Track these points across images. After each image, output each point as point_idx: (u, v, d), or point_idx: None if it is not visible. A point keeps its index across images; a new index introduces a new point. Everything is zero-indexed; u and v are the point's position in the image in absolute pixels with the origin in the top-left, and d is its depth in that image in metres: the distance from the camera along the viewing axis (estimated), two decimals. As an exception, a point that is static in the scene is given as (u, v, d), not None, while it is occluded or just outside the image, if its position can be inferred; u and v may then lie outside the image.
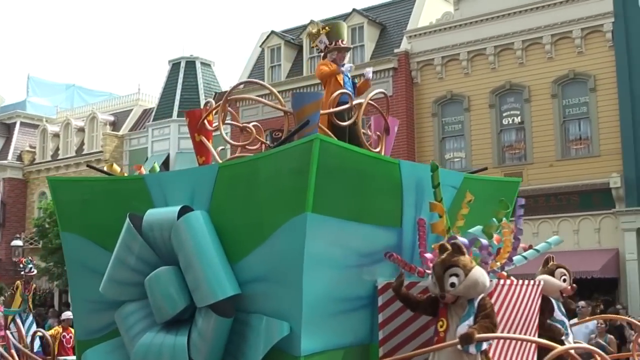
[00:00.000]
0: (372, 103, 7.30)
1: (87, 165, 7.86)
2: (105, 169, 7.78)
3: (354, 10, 30.31)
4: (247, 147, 7.83)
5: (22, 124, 39.96)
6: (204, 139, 7.44)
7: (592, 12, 25.28)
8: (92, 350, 6.91)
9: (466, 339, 5.38)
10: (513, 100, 27.25)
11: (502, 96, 27.40)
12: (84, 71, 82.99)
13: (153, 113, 34.67)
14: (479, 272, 5.73)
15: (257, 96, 9.17)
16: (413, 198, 6.59)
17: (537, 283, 6.91)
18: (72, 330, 18.10)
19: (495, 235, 6.47)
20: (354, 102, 7.16)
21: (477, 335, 5.38)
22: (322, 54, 7.75)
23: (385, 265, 6.43)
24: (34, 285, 21.33)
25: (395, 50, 28.96)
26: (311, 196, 5.70)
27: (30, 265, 21.50)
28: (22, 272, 21.57)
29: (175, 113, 33.38)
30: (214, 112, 7.47)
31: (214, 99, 33.74)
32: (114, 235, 6.83)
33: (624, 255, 23.95)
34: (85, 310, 7.20)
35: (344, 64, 7.58)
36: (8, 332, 21.59)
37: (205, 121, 7.46)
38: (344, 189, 6.02)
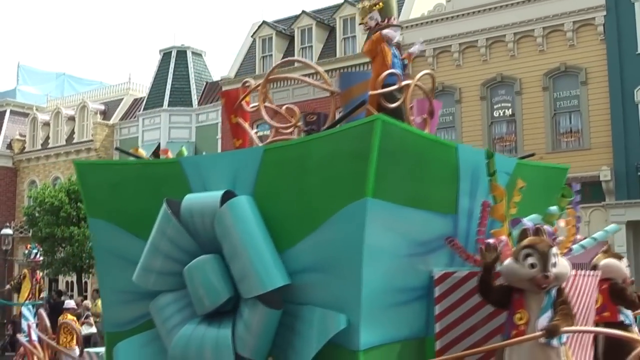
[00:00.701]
0: (419, 85, 6.81)
1: (116, 149, 7.29)
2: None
3: (345, 1, 29.80)
4: (280, 130, 7.30)
5: (12, 112, 39.00)
6: (241, 120, 6.90)
7: (584, 5, 24.95)
8: (124, 343, 6.36)
9: (552, 332, 4.92)
10: (504, 92, 26.87)
11: (493, 88, 27.02)
12: (75, 60, 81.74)
13: (144, 102, 33.96)
14: (565, 260, 5.28)
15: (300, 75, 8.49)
16: (468, 183, 6.12)
17: (595, 274, 6.48)
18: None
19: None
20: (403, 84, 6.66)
21: (564, 328, 4.93)
22: (369, 31, 7.17)
23: (441, 254, 5.97)
24: (40, 273, 20.59)
25: (387, 42, 28.43)
26: (372, 181, 5.21)
27: (35, 251, 20.71)
28: (28, 260, 20.85)
29: (166, 103, 32.71)
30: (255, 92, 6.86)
31: (204, 89, 33.42)
32: (146, 221, 6.30)
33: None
34: (115, 301, 6.65)
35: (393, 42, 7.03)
36: (27, 322, 20.84)
37: (243, 102, 6.89)
38: (403, 173, 5.53)
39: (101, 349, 7.99)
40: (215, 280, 5.75)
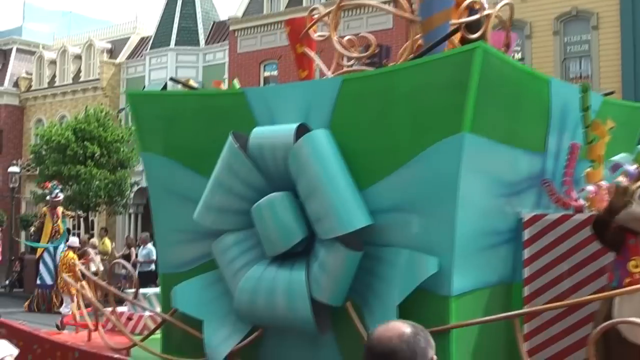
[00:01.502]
0: (499, 15, 6.22)
1: (171, 79, 6.64)
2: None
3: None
4: (341, 63, 6.69)
5: (18, 50, 38.03)
6: (307, 49, 6.29)
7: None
8: (183, 286, 5.85)
9: None
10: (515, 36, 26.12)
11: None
12: None
13: (151, 41, 33.08)
14: None
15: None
16: (558, 120, 5.58)
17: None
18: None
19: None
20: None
21: None
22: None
23: (528, 195, 5.46)
24: (61, 210, 20.03)
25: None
26: (470, 114, 4.66)
27: (56, 191, 20.10)
28: (48, 198, 20.29)
29: (173, 42, 31.84)
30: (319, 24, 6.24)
31: (211, 28, 32.55)
32: (206, 156, 5.76)
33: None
34: (171, 240, 6.11)
35: None
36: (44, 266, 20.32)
37: (310, 31, 6.29)
38: (500, 107, 4.98)
39: (156, 290, 7.51)
40: (288, 219, 5.23)
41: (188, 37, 31.97)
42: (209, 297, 5.73)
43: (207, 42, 32.09)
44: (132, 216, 32.91)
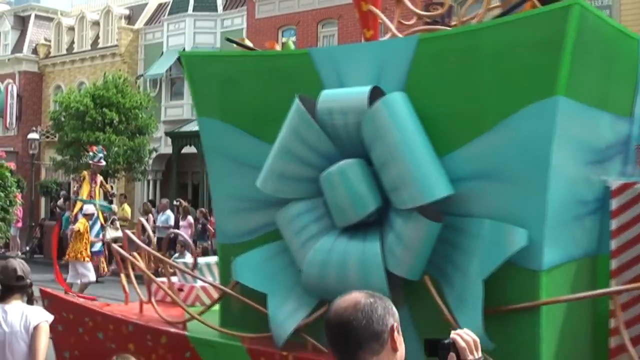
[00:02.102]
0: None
1: (227, 39, 6.18)
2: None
3: None
4: (402, 22, 6.27)
5: (36, 17, 37.46)
6: (373, 8, 5.86)
7: None
8: (245, 257, 5.50)
9: None
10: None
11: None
12: None
13: (168, 7, 32.51)
14: None
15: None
16: (645, 82, 5.18)
17: None
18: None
19: None
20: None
21: None
22: None
23: (614, 163, 5.07)
24: (101, 179, 19.59)
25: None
26: (565, 76, 4.26)
27: (100, 155, 19.59)
28: (90, 162, 19.85)
29: (190, 7, 31.25)
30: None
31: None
32: (268, 121, 5.38)
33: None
34: (230, 209, 5.74)
35: None
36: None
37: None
38: (593, 68, 4.57)
39: (212, 259, 7.18)
40: (361, 188, 4.86)
41: (206, 3, 31.36)
42: (273, 270, 5.39)
43: (224, 8, 31.51)
44: (151, 182, 32.65)
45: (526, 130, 4.42)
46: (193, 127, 27.41)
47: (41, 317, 4.82)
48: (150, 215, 24.48)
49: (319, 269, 5.03)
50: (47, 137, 33.16)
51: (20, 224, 28.84)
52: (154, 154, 29.57)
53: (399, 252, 4.78)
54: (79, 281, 15.22)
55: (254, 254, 5.49)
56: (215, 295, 6.51)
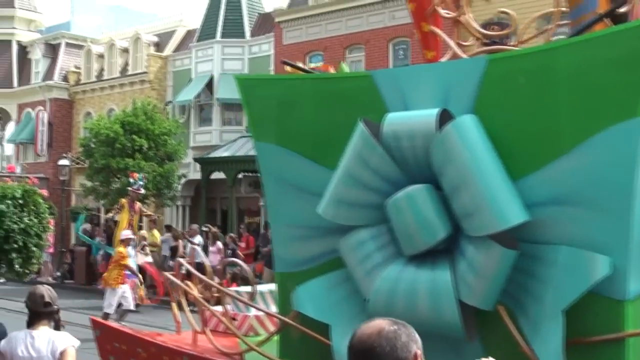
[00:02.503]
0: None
1: (282, 62, 6.00)
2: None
3: None
4: (460, 43, 6.07)
5: (67, 44, 37.76)
6: (434, 28, 5.68)
7: None
8: (306, 286, 5.29)
9: None
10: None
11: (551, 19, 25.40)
12: None
13: (197, 34, 32.61)
14: None
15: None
16: None
17: None
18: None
19: None
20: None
21: None
22: None
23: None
24: (139, 205, 19.47)
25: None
26: (650, 95, 4.06)
27: (140, 183, 19.49)
28: (129, 189, 19.76)
29: (218, 34, 31.33)
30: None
31: (257, 20, 32.05)
32: (328, 145, 5.20)
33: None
34: (289, 236, 5.54)
35: None
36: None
37: (439, 7, 5.68)
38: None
39: (266, 287, 6.98)
40: (430, 214, 4.65)
41: (234, 29, 31.43)
42: (336, 299, 5.18)
43: (252, 34, 31.55)
44: (180, 208, 32.61)
45: (608, 153, 4.20)
46: (221, 153, 27.37)
47: (68, 342, 4.90)
48: (180, 241, 24.38)
49: (387, 298, 4.82)
50: (77, 163, 33.25)
51: (51, 250, 28.85)
52: (182, 180, 29.53)
53: (472, 280, 4.56)
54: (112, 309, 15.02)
55: (315, 283, 5.29)
56: (269, 324, 6.31)
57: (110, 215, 23.09)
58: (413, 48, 27.08)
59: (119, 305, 15.41)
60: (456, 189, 4.57)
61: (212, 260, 21.95)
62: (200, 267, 12.03)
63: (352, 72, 6.54)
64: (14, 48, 38.91)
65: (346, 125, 5.04)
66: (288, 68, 5.94)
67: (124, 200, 19.73)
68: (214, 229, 24.08)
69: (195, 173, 30.24)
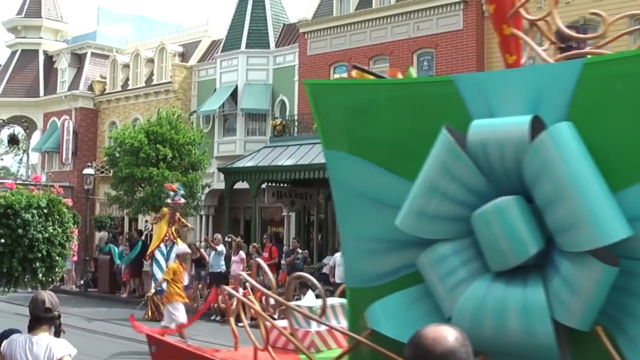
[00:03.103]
0: None
1: (354, 66, 5.68)
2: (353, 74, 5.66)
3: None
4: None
5: (92, 54, 37.81)
6: (516, 31, 5.35)
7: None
8: (382, 303, 4.96)
9: None
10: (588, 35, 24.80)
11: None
12: (154, 3, 79.74)
13: (221, 44, 32.45)
14: None
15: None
16: None
17: None
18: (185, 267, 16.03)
19: None
20: None
21: None
22: None
23: None
24: (178, 216, 19.20)
25: (467, -17, 26.55)
26: None
27: (181, 192, 19.26)
28: (170, 200, 19.53)
29: (243, 45, 31.16)
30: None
31: (281, 31, 31.86)
32: (404, 154, 4.88)
33: None
34: (361, 250, 5.21)
35: None
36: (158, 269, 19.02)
37: (521, 9, 5.35)
38: None
39: (339, 300, 6.63)
40: (521, 228, 4.31)
41: (258, 39, 31.26)
42: (414, 317, 4.83)
43: (277, 45, 31.36)
44: (204, 218, 32.39)
45: None
46: (245, 162, 27.15)
47: (65, 350, 4.97)
48: (204, 250, 24.14)
49: (472, 316, 4.48)
50: (102, 172, 33.12)
51: (75, 258, 28.67)
52: (206, 190, 29.30)
53: (567, 299, 4.22)
54: (173, 325, 14.65)
55: (391, 299, 4.95)
56: (331, 341, 5.98)
57: (148, 225, 22.79)
58: (437, 59, 26.83)
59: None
60: (551, 202, 4.23)
61: (234, 269, 21.70)
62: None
63: (430, 77, 6.21)
64: (41, 58, 38.97)
65: (425, 133, 4.72)
66: (354, 73, 5.61)
67: (166, 210, 19.49)
68: (237, 239, 23.85)
69: (219, 183, 30.05)
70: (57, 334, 5.09)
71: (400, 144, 4.98)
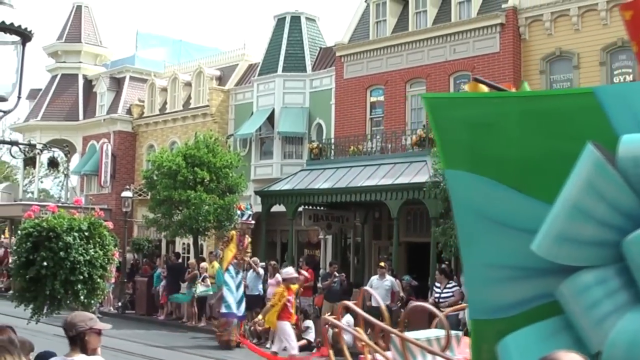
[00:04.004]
0: None
1: (474, 79, 5.15)
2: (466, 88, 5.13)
3: (465, -35, 27.38)
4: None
5: (131, 78, 37.78)
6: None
7: None
8: (516, 337, 4.39)
9: None
10: (625, 57, 24.20)
11: (613, 54, 24.40)
12: (191, 27, 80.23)
13: (258, 68, 32.16)
14: None
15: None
16: None
17: None
18: (294, 291, 15.41)
19: None
20: None
21: None
22: None
23: None
24: (249, 241, 18.68)
25: (503, 6, 26.02)
26: None
27: (249, 213, 18.80)
28: (239, 220, 19.07)
29: (280, 68, 30.83)
30: None
31: (318, 54, 31.51)
32: (538, 173, 4.34)
33: None
34: (487, 278, 4.64)
35: None
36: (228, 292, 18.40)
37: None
38: None
39: (437, 333, 6.04)
40: (686, 254, 3.77)
41: (295, 63, 30.92)
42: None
43: (313, 68, 31.01)
44: (240, 240, 31.88)
45: None
46: (282, 186, 26.75)
47: None
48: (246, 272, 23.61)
49: (627, 352, 3.91)
50: (140, 195, 32.85)
51: (113, 280, 28.34)
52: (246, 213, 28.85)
53: None
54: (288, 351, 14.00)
55: (528, 332, 4.38)
56: (436, 375, 5.38)
57: (219, 252, 22.29)
58: (474, 82, 26.29)
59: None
60: None
61: (270, 292, 21.13)
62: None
63: (568, 88, 5.68)
64: (80, 82, 38.97)
65: (561, 150, 4.18)
66: (466, 87, 5.08)
67: (233, 233, 19.06)
68: (273, 262, 23.51)
69: (256, 206, 29.61)
70: (84, 350, 4.97)
71: (531, 162, 4.43)
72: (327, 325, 5.36)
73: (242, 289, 19.23)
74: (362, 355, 5.46)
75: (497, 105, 4.65)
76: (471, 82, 5.23)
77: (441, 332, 6.05)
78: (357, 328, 5.10)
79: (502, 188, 4.53)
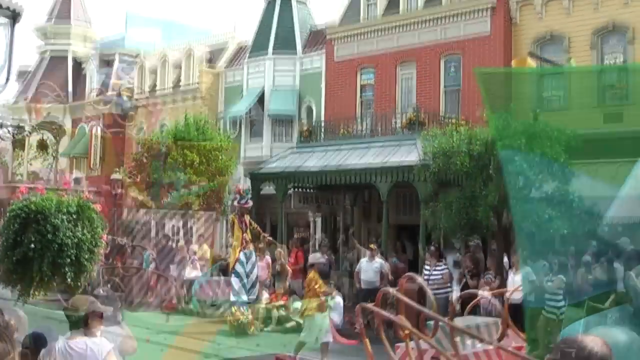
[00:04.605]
0: None
1: (529, 53, 4.76)
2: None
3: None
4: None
5: (120, 59, 37.27)
6: None
7: None
8: (583, 323, 4.08)
9: None
10: (615, 41, 23.75)
11: (604, 37, 23.97)
12: (180, 8, 79.15)
13: (249, 49, 31.69)
14: None
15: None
16: None
17: None
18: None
19: None
20: None
21: None
22: None
23: None
24: (249, 219, 18.36)
25: (494, -11, 25.61)
26: None
27: (248, 196, 18.43)
28: (237, 204, 18.71)
29: (270, 49, 30.30)
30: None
31: (308, 36, 31.03)
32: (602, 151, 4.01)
33: None
34: (548, 264, 4.31)
35: None
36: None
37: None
38: None
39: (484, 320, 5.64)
40: None
41: (285, 44, 30.42)
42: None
43: (304, 50, 30.53)
44: (230, 222, 31.58)
45: None
46: (272, 165, 26.37)
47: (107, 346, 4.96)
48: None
49: None
50: (130, 177, 32.45)
51: (101, 263, 28.03)
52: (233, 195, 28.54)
53: None
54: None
55: (593, 320, 4.05)
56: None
57: (231, 240, 21.67)
58: (464, 64, 25.89)
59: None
60: None
61: (260, 275, 20.74)
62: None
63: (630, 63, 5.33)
64: (70, 63, 38.41)
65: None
66: (513, 62, 4.70)
67: (232, 217, 18.76)
68: (261, 244, 23.08)
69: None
70: (86, 333, 4.92)
71: (595, 140, 4.09)
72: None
73: (254, 274, 18.74)
74: (397, 344, 5.20)
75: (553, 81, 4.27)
76: (520, 58, 4.88)
77: (481, 320, 5.72)
78: (400, 316, 4.78)
79: (556, 165, 4.22)
